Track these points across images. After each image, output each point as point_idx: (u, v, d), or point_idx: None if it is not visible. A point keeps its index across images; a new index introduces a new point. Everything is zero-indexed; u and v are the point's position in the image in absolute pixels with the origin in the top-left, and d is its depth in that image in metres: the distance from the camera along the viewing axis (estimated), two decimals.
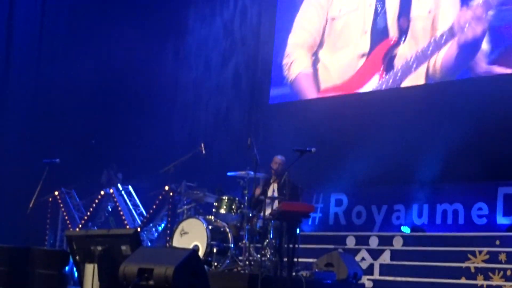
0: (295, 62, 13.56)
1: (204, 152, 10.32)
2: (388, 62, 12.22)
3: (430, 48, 11.64)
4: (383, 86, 12.21)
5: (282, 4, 14.11)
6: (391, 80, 12.13)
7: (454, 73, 11.47)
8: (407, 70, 11.92)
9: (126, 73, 15.14)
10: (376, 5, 12.48)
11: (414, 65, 11.84)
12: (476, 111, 10.74)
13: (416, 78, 11.83)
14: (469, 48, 11.16)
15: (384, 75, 12.22)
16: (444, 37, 11.47)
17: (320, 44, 13.26)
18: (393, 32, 12.22)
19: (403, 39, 12.05)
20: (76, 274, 7.44)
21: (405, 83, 11.94)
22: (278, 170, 9.81)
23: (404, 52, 12.03)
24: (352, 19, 12.88)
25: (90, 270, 6.54)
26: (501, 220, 10.25)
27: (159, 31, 15.30)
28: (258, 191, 9.82)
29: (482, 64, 11.08)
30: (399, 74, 12.03)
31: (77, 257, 6.95)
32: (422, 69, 11.77)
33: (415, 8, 12.02)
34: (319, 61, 13.23)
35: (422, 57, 11.74)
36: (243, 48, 14.25)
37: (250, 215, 9.34)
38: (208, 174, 12.45)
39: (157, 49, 15.09)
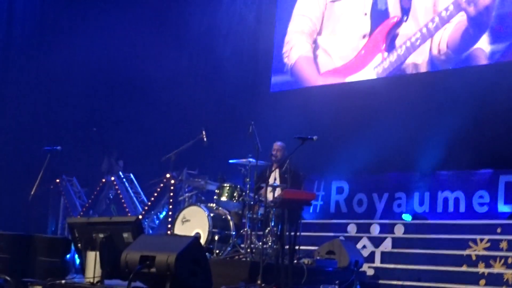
0: (295, 47, 13.58)
1: (205, 139, 10.30)
2: (391, 41, 12.21)
3: (434, 25, 11.59)
4: (386, 65, 12.19)
5: None
6: (394, 59, 12.10)
7: (461, 51, 11.42)
8: (411, 48, 11.90)
9: (127, 61, 15.11)
10: None
11: (418, 43, 11.81)
12: (478, 99, 10.73)
13: (420, 56, 11.82)
14: (478, 22, 11.10)
15: (386, 55, 12.22)
16: (449, 12, 11.41)
17: (320, 31, 13.28)
18: (394, 11, 12.22)
19: (405, 18, 12.03)
20: (78, 261, 7.44)
21: (409, 60, 11.91)
22: (278, 156, 9.81)
23: (407, 31, 12.02)
24: (351, 1, 12.88)
25: (92, 257, 6.56)
26: (502, 208, 10.25)
27: (159, 17, 15.25)
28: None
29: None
30: (402, 52, 12.01)
31: (79, 245, 6.97)
32: (425, 47, 11.76)
33: None
34: (318, 46, 13.25)
35: (426, 34, 11.70)
36: (244, 35, 14.21)
37: (252, 202, 9.33)
38: (209, 161, 12.44)
39: (158, 36, 15.04)
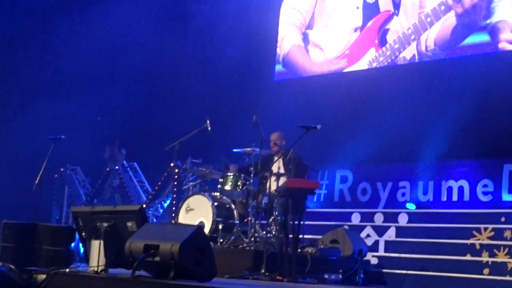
0: (286, 37, 13.66)
1: (209, 128, 10.30)
2: (383, 36, 12.25)
3: (429, 19, 11.62)
4: (381, 59, 12.23)
5: None
6: (388, 53, 12.15)
7: (452, 44, 11.48)
8: (405, 41, 11.94)
9: (131, 50, 15.12)
10: None
11: (412, 37, 11.86)
12: (482, 88, 10.72)
13: (413, 51, 11.86)
14: (468, 17, 11.14)
15: (380, 48, 12.26)
16: (442, 7, 11.44)
17: (310, 25, 13.33)
18: (385, 6, 12.27)
19: (397, 12, 12.08)
20: (82, 250, 7.47)
21: (403, 54, 11.94)
22: (277, 147, 9.80)
23: (400, 25, 12.10)
24: None
25: (96, 246, 6.57)
26: (507, 197, 10.24)
27: (163, 7, 15.23)
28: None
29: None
30: (395, 47, 12.05)
31: (83, 234, 6.99)
32: (421, 40, 11.81)
33: None
34: (309, 41, 13.35)
35: (419, 28, 11.76)
36: (248, 24, 14.18)
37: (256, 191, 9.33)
38: (213, 151, 12.45)
39: (161, 25, 15.03)
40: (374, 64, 12.33)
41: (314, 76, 13.27)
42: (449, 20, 11.42)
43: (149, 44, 15.10)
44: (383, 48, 12.24)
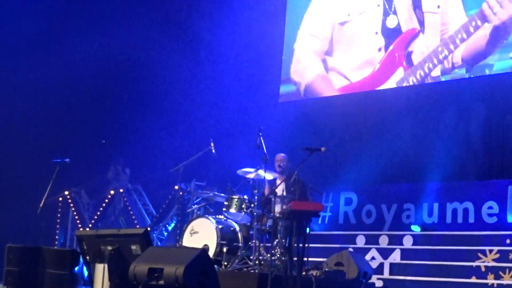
0: (309, 67, 13.51)
1: (214, 151, 10.30)
2: (409, 54, 12.15)
3: (459, 36, 11.54)
4: (410, 78, 12.07)
5: (292, 1, 14.16)
6: (418, 71, 11.99)
7: (481, 59, 11.34)
8: (435, 58, 11.82)
9: (136, 72, 15.17)
10: (384, 4, 12.49)
11: (443, 55, 11.71)
12: (487, 109, 10.73)
13: (438, 69, 11.81)
14: (500, 31, 11.04)
15: (409, 67, 12.11)
16: (473, 23, 11.39)
17: (330, 52, 13.24)
18: (407, 26, 12.20)
19: (422, 29, 12.03)
20: (86, 273, 7.45)
21: (435, 72, 11.85)
22: (283, 167, 9.80)
23: (426, 43, 11.97)
24: (362, 21, 12.88)
25: (101, 269, 6.57)
26: None
27: (168, 28, 15.31)
28: (267, 190, 9.80)
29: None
30: (426, 64, 11.89)
31: (88, 257, 6.99)
32: (451, 57, 11.69)
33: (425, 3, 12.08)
34: (330, 67, 13.20)
35: (450, 45, 11.65)
36: (252, 46, 14.23)
37: (260, 212, 9.31)
38: (217, 173, 12.45)
39: (165, 47, 15.10)
40: (404, 84, 12.20)
41: (318, 98, 13.28)
42: (480, 34, 11.29)
43: (153, 65, 15.14)
44: (412, 67, 12.13)
